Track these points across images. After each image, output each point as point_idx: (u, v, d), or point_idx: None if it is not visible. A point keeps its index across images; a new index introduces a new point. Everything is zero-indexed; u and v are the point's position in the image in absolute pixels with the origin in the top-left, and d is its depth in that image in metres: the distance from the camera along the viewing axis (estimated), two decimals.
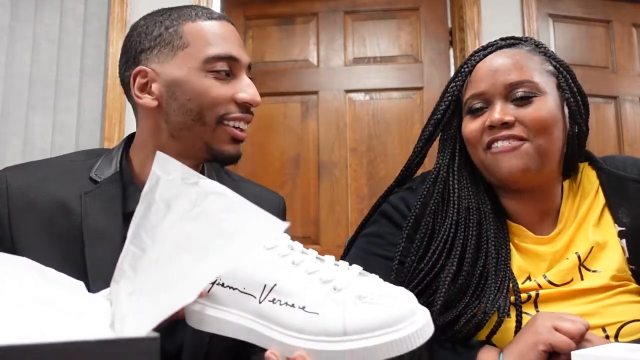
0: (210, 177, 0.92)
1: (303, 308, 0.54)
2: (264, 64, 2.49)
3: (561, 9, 2.52)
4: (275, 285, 0.55)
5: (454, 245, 0.85)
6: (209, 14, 0.85)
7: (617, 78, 2.53)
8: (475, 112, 0.89)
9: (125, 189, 0.83)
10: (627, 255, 0.85)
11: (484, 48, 0.92)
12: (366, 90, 2.45)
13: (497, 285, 0.83)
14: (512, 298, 0.84)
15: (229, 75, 0.82)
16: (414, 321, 0.52)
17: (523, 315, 0.83)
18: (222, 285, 0.53)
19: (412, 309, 0.53)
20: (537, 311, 0.84)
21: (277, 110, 2.44)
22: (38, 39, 2.18)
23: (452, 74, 2.44)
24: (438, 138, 0.97)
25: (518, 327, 0.81)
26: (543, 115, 0.83)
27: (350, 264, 0.85)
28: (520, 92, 0.84)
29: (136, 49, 0.84)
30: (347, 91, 2.44)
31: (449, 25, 2.50)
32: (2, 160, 2.08)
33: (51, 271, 0.46)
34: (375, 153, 2.39)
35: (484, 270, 0.84)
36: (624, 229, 0.86)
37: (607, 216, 0.88)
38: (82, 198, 0.80)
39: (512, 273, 0.85)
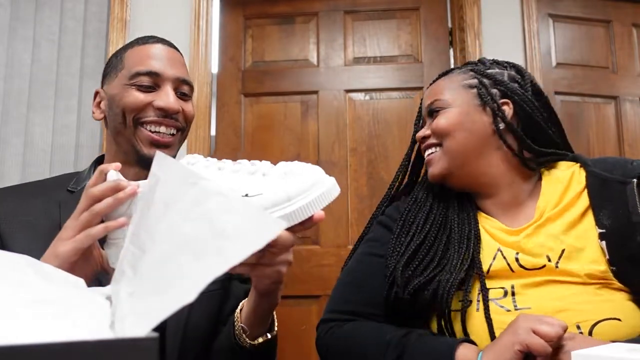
0: None
1: (246, 195, 0.65)
2: (263, 63, 2.49)
3: (561, 9, 2.52)
4: None
5: (424, 227, 0.99)
6: (147, 40, 1.03)
7: (617, 78, 2.53)
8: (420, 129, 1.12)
9: None
10: (607, 257, 0.87)
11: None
12: (366, 90, 2.44)
13: (461, 255, 0.93)
14: (478, 293, 0.90)
15: (152, 88, 0.97)
16: (328, 178, 0.70)
17: (500, 310, 0.87)
18: None
19: (322, 172, 0.70)
20: (515, 303, 0.87)
21: (277, 110, 2.44)
22: (38, 39, 2.18)
23: None
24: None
25: (487, 313, 0.86)
26: (442, 122, 1.01)
27: (355, 265, 1.05)
28: (432, 109, 1.05)
29: (102, 75, 1.05)
30: (347, 91, 2.44)
31: (449, 25, 2.50)
32: (2, 160, 2.08)
33: (50, 268, 0.45)
34: (375, 153, 2.39)
35: (448, 242, 0.96)
36: (604, 231, 0.89)
37: (590, 218, 0.92)
38: (60, 205, 0.94)
39: (476, 247, 0.94)
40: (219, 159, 0.71)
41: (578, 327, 0.83)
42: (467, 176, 1.01)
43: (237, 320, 0.85)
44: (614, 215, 0.89)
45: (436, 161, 1.02)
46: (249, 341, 0.83)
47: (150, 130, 0.96)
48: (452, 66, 2.45)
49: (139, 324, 0.36)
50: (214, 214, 0.43)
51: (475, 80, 1.03)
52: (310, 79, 2.46)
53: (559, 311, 0.84)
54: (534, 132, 1.01)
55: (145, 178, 0.90)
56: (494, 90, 1.01)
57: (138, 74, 0.96)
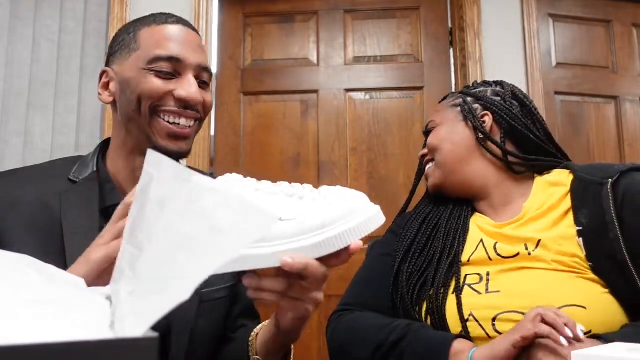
0: None
1: (279, 219, 0.60)
2: (263, 62, 2.48)
3: (561, 9, 2.52)
4: None
5: (419, 230, 1.10)
6: (166, 19, 0.93)
7: (618, 78, 2.53)
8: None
9: (102, 187, 0.90)
10: (584, 253, 0.93)
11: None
12: (366, 90, 2.44)
13: (446, 248, 1.02)
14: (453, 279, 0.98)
15: (173, 75, 0.88)
16: (372, 206, 0.63)
17: (470, 291, 0.95)
18: None
19: (366, 199, 0.64)
20: (487, 287, 0.95)
21: (277, 109, 2.44)
22: (38, 38, 2.18)
23: (452, 73, 2.46)
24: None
25: (457, 293, 0.95)
26: (431, 139, 1.16)
27: (365, 264, 1.16)
28: (426, 131, 1.20)
29: (108, 52, 0.95)
30: (347, 90, 2.44)
31: (449, 25, 2.50)
32: (2, 160, 2.08)
33: (51, 268, 0.45)
34: (376, 153, 2.39)
35: (434, 238, 1.07)
36: (581, 228, 0.95)
37: (570, 218, 0.98)
38: (61, 196, 0.86)
39: (463, 239, 1.04)
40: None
41: None
42: (459, 183, 1.12)
43: (252, 347, 0.83)
44: (591, 214, 0.95)
45: (431, 174, 1.15)
46: None
47: (167, 121, 0.88)
48: (452, 66, 2.46)
49: (138, 323, 0.36)
50: (208, 209, 0.43)
51: (460, 100, 1.17)
52: (310, 78, 2.46)
53: (524, 294, 0.90)
54: (517, 139, 1.11)
55: None
56: (476, 105, 1.14)
57: (158, 59, 0.87)
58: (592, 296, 0.88)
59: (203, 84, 0.92)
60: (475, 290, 0.95)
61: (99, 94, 0.94)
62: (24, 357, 0.27)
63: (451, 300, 0.96)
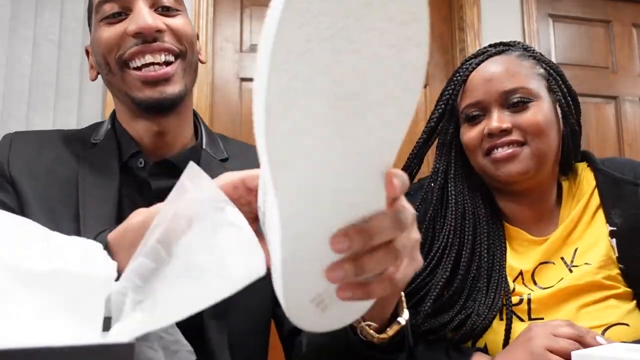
0: (209, 141, 0.89)
1: None
2: None
3: (561, 9, 2.52)
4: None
5: (450, 252, 0.89)
6: None
7: (617, 78, 2.52)
8: (473, 120, 0.92)
9: (119, 143, 0.83)
10: (617, 254, 0.87)
11: (475, 56, 0.96)
12: None
13: (494, 287, 0.86)
14: (503, 299, 0.87)
15: (123, 14, 0.78)
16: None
17: (514, 318, 0.86)
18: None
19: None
20: (530, 316, 0.86)
21: None
22: (38, 39, 2.18)
23: None
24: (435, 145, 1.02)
25: (507, 329, 0.84)
26: (539, 119, 0.88)
27: None
28: (515, 99, 0.88)
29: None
30: None
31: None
32: None
33: (58, 237, 0.43)
34: None
35: (477, 274, 0.88)
36: (615, 228, 0.88)
37: (600, 216, 0.91)
38: (80, 155, 0.81)
39: (505, 276, 0.89)
40: None
41: None
42: (535, 181, 0.92)
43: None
44: (625, 214, 0.88)
45: (521, 159, 0.87)
46: (376, 335, 0.60)
47: (137, 68, 0.77)
48: (455, 66, 2.45)
49: (131, 330, 0.36)
50: (228, 246, 0.42)
51: (543, 71, 0.93)
52: None
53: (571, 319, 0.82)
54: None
55: (158, 128, 0.81)
56: (560, 84, 0.93)
57: (100, 3, 0.78)
58: (630, 313, 0.85)
59: (165, 10, 0.80)
60: (518, 317, 0.86)
61: (90, 74, 0.87)
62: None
63: (495, 327, 0.85)
